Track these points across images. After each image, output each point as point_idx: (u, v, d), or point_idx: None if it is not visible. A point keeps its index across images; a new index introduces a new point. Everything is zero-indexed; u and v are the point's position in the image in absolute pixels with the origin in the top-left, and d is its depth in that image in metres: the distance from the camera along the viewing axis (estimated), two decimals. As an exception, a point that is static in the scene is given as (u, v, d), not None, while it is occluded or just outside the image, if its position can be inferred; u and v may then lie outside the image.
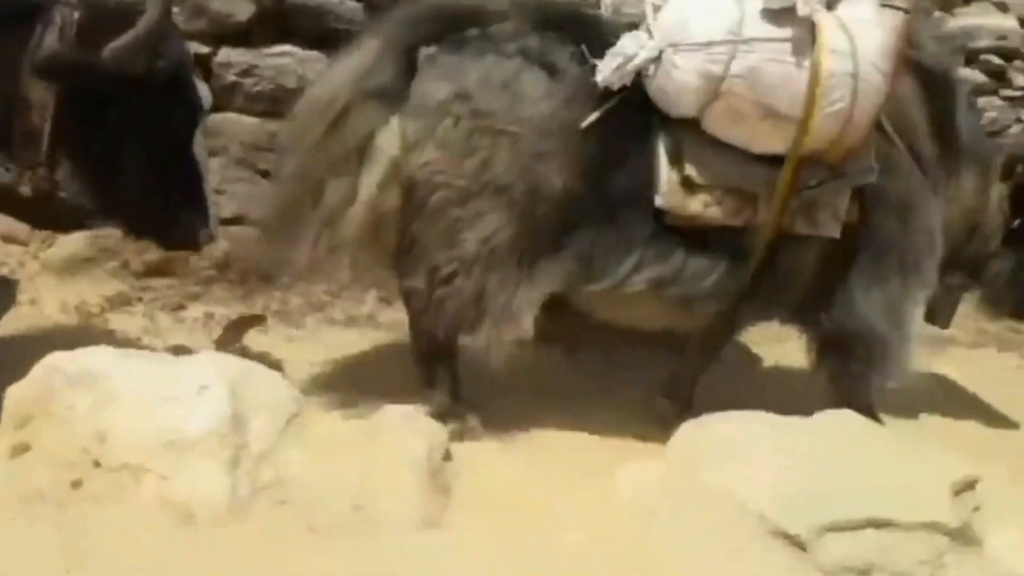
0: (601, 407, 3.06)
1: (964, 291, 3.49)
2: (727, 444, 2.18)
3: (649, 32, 2.58)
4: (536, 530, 2.14)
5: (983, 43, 4.58)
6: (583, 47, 2.62)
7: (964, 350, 4.42)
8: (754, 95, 2.53)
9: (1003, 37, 4.58)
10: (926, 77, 2.93)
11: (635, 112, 2.62)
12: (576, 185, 2.59)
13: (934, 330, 3.47)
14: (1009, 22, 4.60)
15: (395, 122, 2.58)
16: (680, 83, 2.53)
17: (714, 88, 2.52)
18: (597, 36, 2.65)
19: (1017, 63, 4.64)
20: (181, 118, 2.56)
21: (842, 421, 2.30)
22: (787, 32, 2.52)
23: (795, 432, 2.21)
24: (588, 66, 2.60)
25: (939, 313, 3.42)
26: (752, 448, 2.13)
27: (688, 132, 2.63)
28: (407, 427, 2.33)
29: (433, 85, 2.57)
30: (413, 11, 2.75)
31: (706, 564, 1.93)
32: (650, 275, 2.67)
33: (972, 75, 4.56)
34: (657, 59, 2.52)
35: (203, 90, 2.66)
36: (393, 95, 2.57)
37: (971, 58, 4.60)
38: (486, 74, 2.58)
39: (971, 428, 3.46)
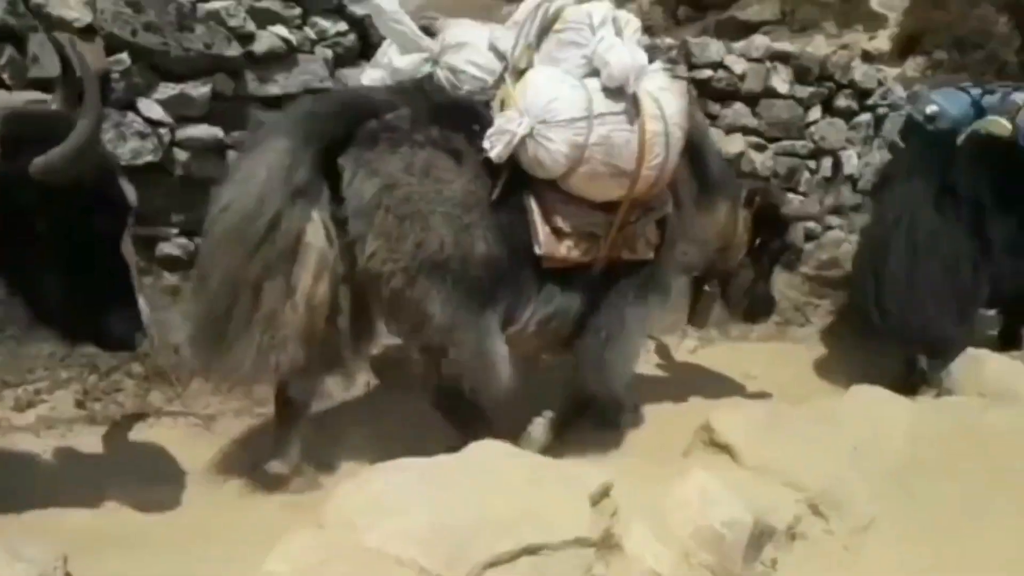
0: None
1: (716, 298, 4.26)
2: (378, 499, 2.09)
3: (519, 111, 3.05)
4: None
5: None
6: (476, 129, 3.09)
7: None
8: (607, 158, 3.15)
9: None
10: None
11: (514, 179, 3.11)
12: (494, 248, 3.07)
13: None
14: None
15: (317, 216, 2.84)
16: (554, 152, 3.07)
17: (579, 155, 3.11)
18: (473, 118, 3.14)
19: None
20: (109, 221, 2.56)
21: (484, 452, 2.32)
22: (622, 106, 3.17)
23: (441, 473, 2.17)
24: (478, 145, 3.06)
25: (699, 315, 4.26)
26: (402, 500, 2.06)
27: (551, 191, 3.19)
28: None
29: (363, 183, 2.87)
30: (315, 109, 3.05)
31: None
32: (540, 317, 3.28)
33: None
34: (530, 135, 3.03)
35: (129, 190, 2.64)
36: (315, 192, 2.83)
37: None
38: (406, 164, 2.92)
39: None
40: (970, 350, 4.11)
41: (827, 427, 3.13)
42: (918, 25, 12.78)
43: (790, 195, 4.75)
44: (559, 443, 3.51)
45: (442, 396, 3.24)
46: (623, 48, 3.18)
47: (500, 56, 3.26)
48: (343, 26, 4.21)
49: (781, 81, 5.66)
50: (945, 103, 4.73)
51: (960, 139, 4.50)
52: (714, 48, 5.36)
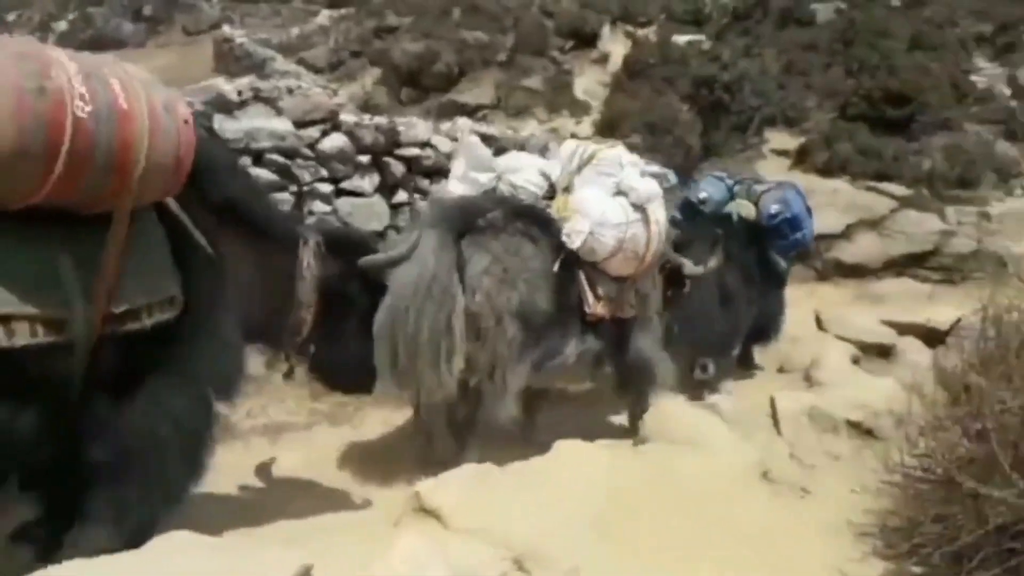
0: None
1: None
2: None
3: (582, 216, 4.41)
4: None
5: (266, 144, 4.94)
6: (543, 224, 4.42)
7: (302, 432, 4.68)
8: (633, 248, 4.57)
9: (283, 138, 5.02)
10: None
11: (567, 259, 4.41)
12: (550, 305, 4.31)
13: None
14: (285, 124, 5.05)
15: (456, 278, 4.03)
16: (605, 244, 4.45)
17: (619, 247, 4.50)
18: (542, 217, 4.45)
19: (299, 161, 5.13)
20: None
21: (170, 543, 2.17)
22: (640, 215, 4.61)
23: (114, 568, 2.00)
24: (545, 234, 4.38)
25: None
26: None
27: (592, 268, 4.53)
28: None
29: (479, 258, 4.12)
30: (452, 209, 4.25)
31: None
32: (578, 352, 4.56)
33: (261, 173, 4.92)
34: (590, 232, 4.39)
35: None
36: (459, 266, 4.06)
37: (258, 158, 4.94)
38: (504, 247, 4.20)
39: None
40: (660, 401, 4.48)
41: (532, 483, 3.24)
42: (616, 112, 14.07)
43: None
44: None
45: (461, 416, 4.27)
46: (645, 180, 4.70)
47: (546, 178, 4.71)
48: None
49: (487, 159, 5.95)
50: (710, 189, 6.29)
51: (734, 217, 6.18)
52: (420, 128, 5.56)
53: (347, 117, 5.34)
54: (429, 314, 3.91)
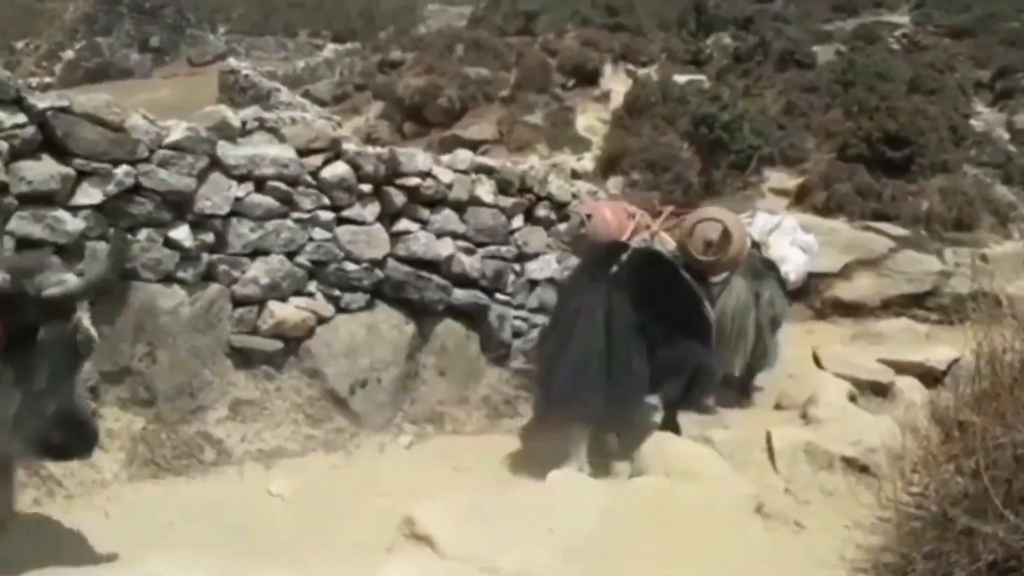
0: None
1: None
2: None
3: (783, 260, 6.45)
4: None
5: (268, 171, 4.98)
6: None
7: (296, 458, 4.67)
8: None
9: (285, 165, 5.05)
10: None
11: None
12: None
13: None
14: (288, 152, 5.09)
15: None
16: (798, 278, 6.69)
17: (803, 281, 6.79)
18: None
19: (301, 188, 5.16)
20: None
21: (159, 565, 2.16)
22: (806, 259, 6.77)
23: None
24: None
25: None
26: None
27: None
28: None
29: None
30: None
31: None
32: None
33: (263, 200, 4.95)
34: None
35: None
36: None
37: (260, 185, 4.97)
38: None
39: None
40: (658, 433, 4.47)
41: (526, 513, 3.24)
42: (616, 149, 14.15)
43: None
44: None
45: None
46: (811, 237, 6.69)
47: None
48: (21, 118, 3.98)
49: (485, 191, 6.01)
50: None
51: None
52: (421, 159, 5.60)
53: (349, 146, 5.37)
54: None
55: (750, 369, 6.22)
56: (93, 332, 3.12)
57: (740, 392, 6.46)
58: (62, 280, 2.98)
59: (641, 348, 4.75)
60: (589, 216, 5.62)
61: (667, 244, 5.57)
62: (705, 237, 5.36)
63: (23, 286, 2.90)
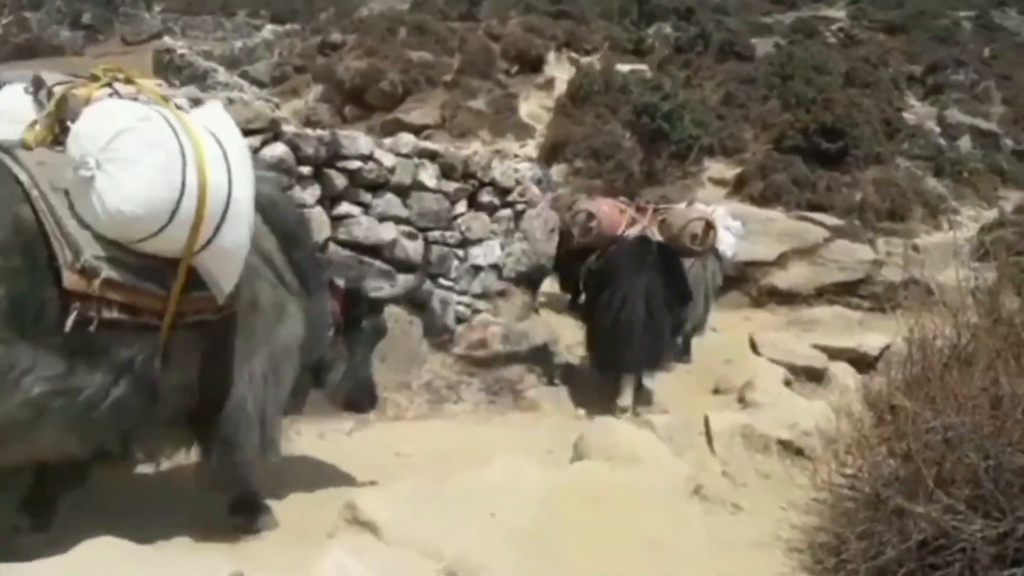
0: None
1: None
2: None
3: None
4: None
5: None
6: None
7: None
8: None
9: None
10: None
11: None
12: None
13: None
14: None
15: None
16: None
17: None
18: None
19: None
20: None
21: (93, 551, 2.10)
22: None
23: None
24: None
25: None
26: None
27: None
28: None
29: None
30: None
31: None
32: None
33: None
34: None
35: None
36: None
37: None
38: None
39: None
40: (599, 419, 4.50)
41: (468, 497, 3.23)
42: (560, 136, 14.20)
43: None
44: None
45: None
46: (739, 223, 8.00)
47: None
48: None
49: (429, 176, 5.96)
50: None
51: None
52: (363, 142, 5.53)
53: (288, 128, 5.27)
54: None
55: (695, 329, 7.70)
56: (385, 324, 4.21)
57: (684, 350, 7.66)
58: (381, 286, 4.07)
59: (667, 315, 6.37)
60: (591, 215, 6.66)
61: (656, 236, 6.59)
62: (692, 231, 6.51)
63: (361, 288, 3.95)
